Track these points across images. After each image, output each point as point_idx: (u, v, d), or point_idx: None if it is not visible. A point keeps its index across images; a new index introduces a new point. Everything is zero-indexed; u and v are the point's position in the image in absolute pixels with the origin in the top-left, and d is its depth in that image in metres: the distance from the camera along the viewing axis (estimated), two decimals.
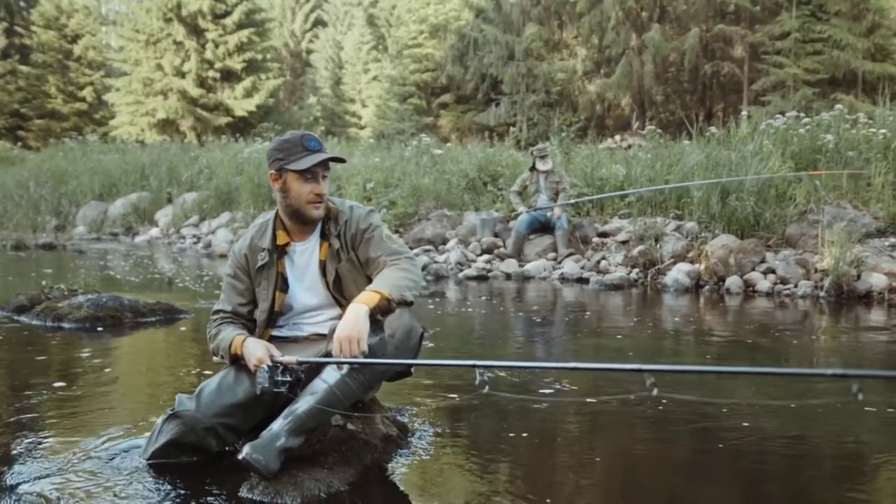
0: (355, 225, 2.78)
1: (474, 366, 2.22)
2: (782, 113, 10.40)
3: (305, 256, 2.82)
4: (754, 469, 2.73)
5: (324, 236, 2.80)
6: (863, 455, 2.94)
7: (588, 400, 3.58)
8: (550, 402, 3.59)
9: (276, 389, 2.48)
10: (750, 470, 2.73)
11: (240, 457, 2.34)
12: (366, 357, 2.42)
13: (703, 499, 2.53)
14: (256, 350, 2.56)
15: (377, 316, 2.49)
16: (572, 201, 9.67)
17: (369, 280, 2.74)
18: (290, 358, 2.52)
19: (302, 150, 2.67)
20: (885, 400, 3.67)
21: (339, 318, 2.77)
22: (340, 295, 2.78)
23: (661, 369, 2.23)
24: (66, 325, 5.46)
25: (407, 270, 2.66)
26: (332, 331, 2.66)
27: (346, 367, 2.45)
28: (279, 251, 2.79)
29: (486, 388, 2.17)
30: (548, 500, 2.41)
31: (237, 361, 2.67)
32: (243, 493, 2.35)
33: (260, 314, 2.80)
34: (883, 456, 2.94)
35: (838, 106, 10.09)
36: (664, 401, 3.44)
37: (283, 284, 2.79)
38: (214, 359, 2.81)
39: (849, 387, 1.78)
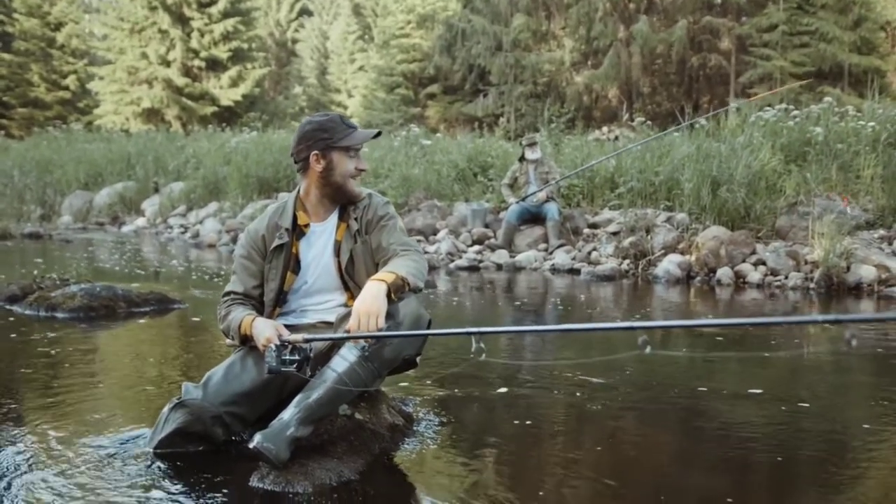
0: (373, 211, 2.84)
1: (469, 333, 2.27)
2: (770, 105, 10.43)
3: (323, 237, 2.85)
4: (740, 455, 2.76)
5: (342, 218, 2.85)
6: (850, 440, 2.97)
7: (581, 361, 3.62)
8: (544, 365, 3.62)
9: (283, 368, 2.47)
10: (736, 456, 2.77)
11: (251, 446, 2.33)
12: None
13: (691, 486, 2.54)
14: (265, 330, 2.57)
15: (392, 296, 2.52)
16: (553, 184, 9.68)
17: (376, 267, 2.77)
18: (297, 336, 2.53)
19: (345, 127, 2.77)
20: (873, 386, 3.71)
21: (346, 305, 2.80)
22: (351, 278, 2.81)
23: (652, 325, 2.27)
24: (59, 315, 5.42)
25: (417, 262, 2.70)
26: (340, 318, 2.67)
27: (361, 342, 2.47)
28: (298, 231, 2.82)
29: (483, 355, 2.21)
30: (550, 488, 2.43)
31: (247, 342, 2.68)
32: (254, 482, 2.35)
33: (268, 293, 2.82)
34: (870, 442, 2.96)
35: (827, 98, 10.14)
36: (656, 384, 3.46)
37: (294, 265, 2.82)
38: (226, 341, 2.81)
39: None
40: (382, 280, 2.52)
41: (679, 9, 23.88)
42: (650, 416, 3.31)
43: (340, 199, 2.84)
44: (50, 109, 34.07)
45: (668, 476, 2.64)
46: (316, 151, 2.75)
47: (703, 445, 2.93)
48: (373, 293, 2.47)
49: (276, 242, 2.80)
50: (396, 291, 2.54)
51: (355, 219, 2.83)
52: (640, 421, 3.25)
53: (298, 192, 2.88)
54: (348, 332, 2.48)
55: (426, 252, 9.59)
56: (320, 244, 2.85)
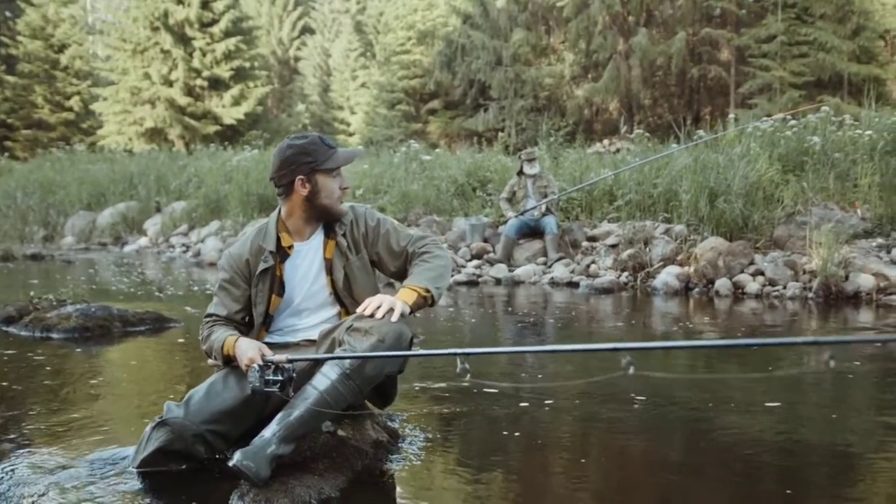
0: (363, 223, 2.85)
1: (454, 354, 2.28)
2: (769, 115, 10.41)
3: (309, 256, 2.83)
4: (745, 469, 2.74)
5: (328, 235, 2.83)
6: (854, 453, 2.95)
7: (567, 383, 3.61)
8: (531, 388, 3.62)
9: (266, 389, 2.47)
10: (741, 469, 2.73)
11: (230, 464, 2.33)
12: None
13: (695, 500, 2.53)
14: (248, 350, 2.56)
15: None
16: (553, 198, 9.68)
17: (403, 273, 2.83)
18: (280, 356, 2.52)
19: (327, 148, 2.76)
20: (872, 400, 3.68)
21: (335, 319, 2.80)
22: (348, 294, 2.81)
23: (636, 347, 2.26)
24: (55, 336, 5.43)
25: (441, 264, 2.77)
26: (323, 334, 2.68)
27: (344, 344, 2.51)
28: (283, 254, 2.81)
29: (468, 375, 2.22)
30: None
31: (230, 363, 2.67)
32: (234, 500, 2.34)
33: (256, 317, 2.82)
34: (874, 455, 2.94)
35: (825, 108, 10.13)
36: (658, 403, 3.44)
37: (279, 288, 2.81)
38: (209, 361, 2.81)
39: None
40: (405, 301, 2.60)
41: (678, 21, 23.94)
42: (655, 430, 3.29)
43: (327, 219, 2.82)
44: (54, 131, 34.19)
45: (670, 491, 2.63)
46: (301, 176, 2.72)
47: (705, 458, 2.92)
48: (398, 303, 2.57)
49: (262, 266, 2.77)
50: (418, 309, 2.65)
51: (343, 235, 2.82)
52: (637, 433, 3.23)
53: (279, 213, 2.85)
54: (335, 339, 2.57)
55: None
56: (306, 263, 2.83)
